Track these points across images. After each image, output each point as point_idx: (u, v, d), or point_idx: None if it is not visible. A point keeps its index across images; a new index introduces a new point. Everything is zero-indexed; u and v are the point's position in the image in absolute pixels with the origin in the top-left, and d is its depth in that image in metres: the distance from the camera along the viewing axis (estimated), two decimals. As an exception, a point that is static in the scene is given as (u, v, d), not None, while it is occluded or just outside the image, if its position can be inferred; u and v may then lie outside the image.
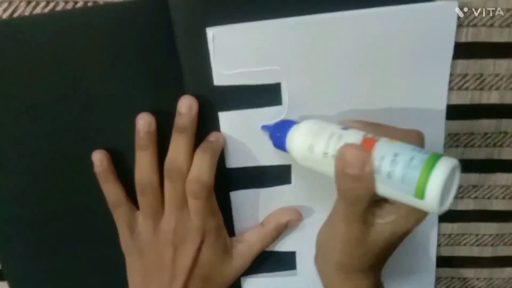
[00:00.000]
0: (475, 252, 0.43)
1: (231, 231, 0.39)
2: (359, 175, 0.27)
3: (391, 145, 0.27)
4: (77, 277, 0.41)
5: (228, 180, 0.38)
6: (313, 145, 0.30)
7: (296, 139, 0.31)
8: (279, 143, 0.33)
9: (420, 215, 0.28)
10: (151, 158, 0.34)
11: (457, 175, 0.26)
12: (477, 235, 0.42)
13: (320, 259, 0.33)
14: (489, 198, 0.41)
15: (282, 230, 0.39)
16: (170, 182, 0.34)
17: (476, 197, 0.41)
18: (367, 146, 0.27)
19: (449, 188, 0.26)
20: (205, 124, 0.36)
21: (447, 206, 0.26)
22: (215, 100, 0.35)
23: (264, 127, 0.35)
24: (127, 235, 0.37)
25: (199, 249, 0.36)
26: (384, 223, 0.29)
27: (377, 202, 0.29)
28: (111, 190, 0.36)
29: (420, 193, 0.25)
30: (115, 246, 0.37)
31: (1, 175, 0.37)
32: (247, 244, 0.38)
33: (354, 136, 0.28)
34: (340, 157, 0.27)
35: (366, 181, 0.27)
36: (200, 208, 0.34)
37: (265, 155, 0.37)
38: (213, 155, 0.34)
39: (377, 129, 0.30)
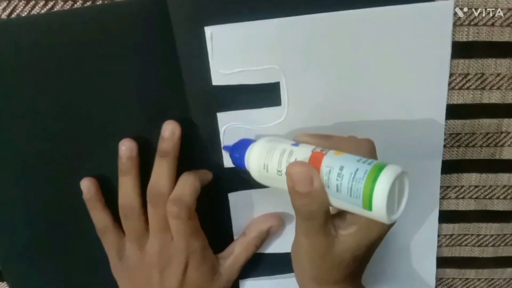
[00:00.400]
0: (476, 252, 0.43)
1: (229, 232, 0.39)
2: (308, 191, 0.27)
3: (337, 158, 0.27)
4: (77, 277, 0.41)
5: (226, 180, 0.37)
6: (267, 164, 0.30)
7: (252, 159, 0.32)
8: (239, 163, 0.33)
9: (381, 225, 0.29)
10: (133, 182, 0.35)
11: (406, 182, 0.27)
12: (478, 235, 0.42)
13: (296, 273, 0.34)
14: (490, 198, 0.40)
15: (264, 238, 0.39)
16: (153, 206, 0.35)
17: (477, 198, 0.40)
18: (315, 161, 0.28)
19: (399, 196, 0.26)
20: (204, 125, 0.36)
21: (398, 214, 0.26)
22: (214, 100, 0.35)
23: (225, 148, 0.36)
24: (115, 260, 0.37)
25: (185, 271, 0.36)
26: (347, 235, 0.29)
27: (340, 213, 0.29)
28: (98, 217, 0.36)
29: (367, 205, 0.25)
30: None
31: (1, 176, 0.37)
32: (232, 257, 0.38)
33: (304, 152, 0.29)
34: (288, 176, 0.28)
35: (316, 197, 0.27)
36: (181, 229, 0.34)
37: None
38: (196, 179, 0.35)
39: (327, 141, 0.30)
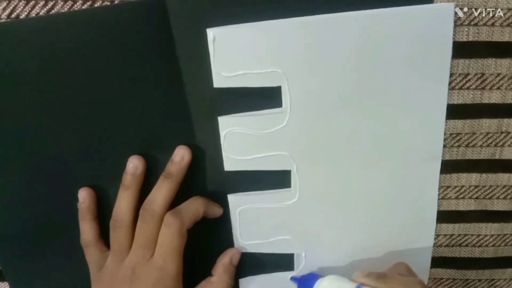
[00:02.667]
0: (476, 253, 0.43)
1: (229, 234, 0.40)
2: None
3: None
4: (77, 277, 0.41)
5: (225, 183, 0.37)
6: None
7: None
8: None
9: None
10: (131, 198, 0.36)
11: None
12: (478, 235, 0.42)
13: None
14: (490, 198, 0.40)
15: (232, 268, 0.39)
16: (142, 221, 0.35)
17: (477, 198, 0.40)
18: None
19: None
20: (205, 128, 0.36)
21: None
22: (215, 103, 0.35)
23: (293, 279, 0.39)
24: (94, 270, 0.38)
25: None
26: None
27: None
28: (86, 229, 0.37)
29: None
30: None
31: (2, 176, 0.37)
32: None
33: None
34: None
35: None
36: (167, 241, 0.35)
37: (264, 159, 0.36)
38: (203, 205, 0.36)
39: (384, 283, 0.32)
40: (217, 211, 0.38)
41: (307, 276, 0.37)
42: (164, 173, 0.36)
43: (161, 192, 0.35)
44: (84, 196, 0.37)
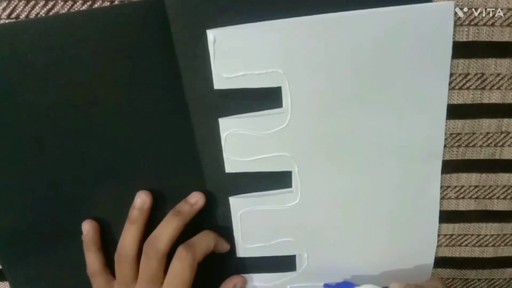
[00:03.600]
0: (476, 252, 0.43)
1: (230, 237, 0.40)
2: None
3: None
4: (78, 277, 0.41)
5: (227, 185, 0.37)
6: None
7: None
8: None
9: None
10: (136, 232, 0.36)
11: None
12: (478, 235, 0.42)
13: None
14: (490, 198, 0.40)
15: None
16: (146, 258, 0.36)
17: (477, 197, 0.40)
18: None
19: None
20: (205, 130, 0.36)
21: None
22: (215, 105, 0.35)
23: (326, 286, 0.39)
24: None
25: None
26: None
27: None
28: (91, 260, 0.38)
29: None
30: (115, 247, 0.37)
31: (2, 177, 0.37)
32: None
33: None
34: None
35: None
36: (179, 273, 0.35)
37: (266, 160, 0.36)
38: (213, 240, 0.37)
39: None
40: (225, 246, 0.39)
41: (342, 284, 0.37)
42: (174, 211, 0.36)
43: (168, 230, 0.35)
44: (87, 228, 0.37)
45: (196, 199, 0.37)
